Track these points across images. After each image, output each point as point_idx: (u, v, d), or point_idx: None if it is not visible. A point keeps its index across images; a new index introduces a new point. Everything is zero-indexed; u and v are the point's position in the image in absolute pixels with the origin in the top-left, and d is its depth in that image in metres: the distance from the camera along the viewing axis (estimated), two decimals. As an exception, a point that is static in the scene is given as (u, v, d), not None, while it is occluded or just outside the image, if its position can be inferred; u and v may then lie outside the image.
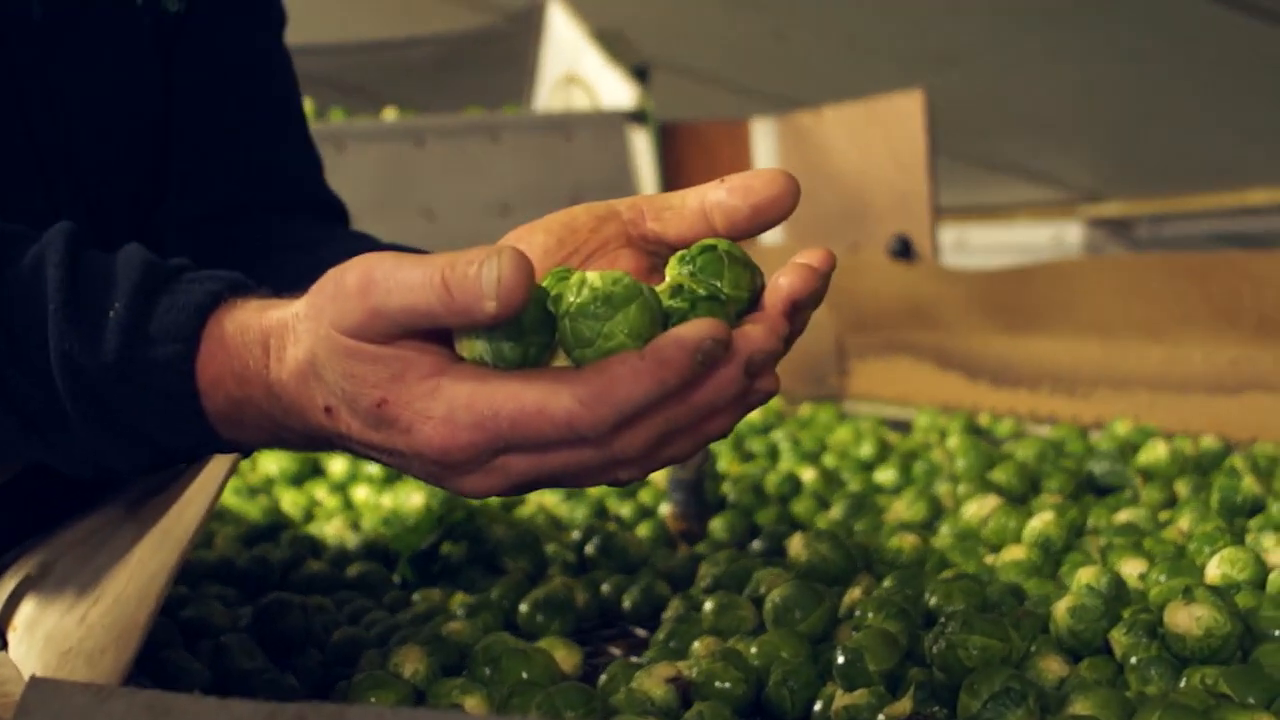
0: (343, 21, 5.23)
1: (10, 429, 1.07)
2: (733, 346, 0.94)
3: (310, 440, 1.04)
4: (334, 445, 1.03)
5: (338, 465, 2.32)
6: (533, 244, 1.08)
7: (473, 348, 0.96)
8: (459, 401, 0.94)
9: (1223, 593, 1.26)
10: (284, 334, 1.00)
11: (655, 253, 1.10)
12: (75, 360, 1.03)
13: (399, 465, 1.00)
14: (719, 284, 1.01)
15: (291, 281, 1.07)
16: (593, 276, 0.95)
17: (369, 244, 1.52)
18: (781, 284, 1.01)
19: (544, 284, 0.99)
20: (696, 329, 0.91)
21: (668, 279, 1.01)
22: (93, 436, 1.05)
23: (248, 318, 1.03)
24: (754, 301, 1.03)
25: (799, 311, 1.02)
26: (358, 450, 1.01)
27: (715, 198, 1.05)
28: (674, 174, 3.81)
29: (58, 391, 1.04)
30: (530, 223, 1.10)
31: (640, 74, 3.82)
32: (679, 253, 1.04)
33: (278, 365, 1.00)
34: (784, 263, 1.03)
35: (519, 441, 0.94)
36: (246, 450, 1.13)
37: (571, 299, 0.95)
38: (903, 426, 2.68)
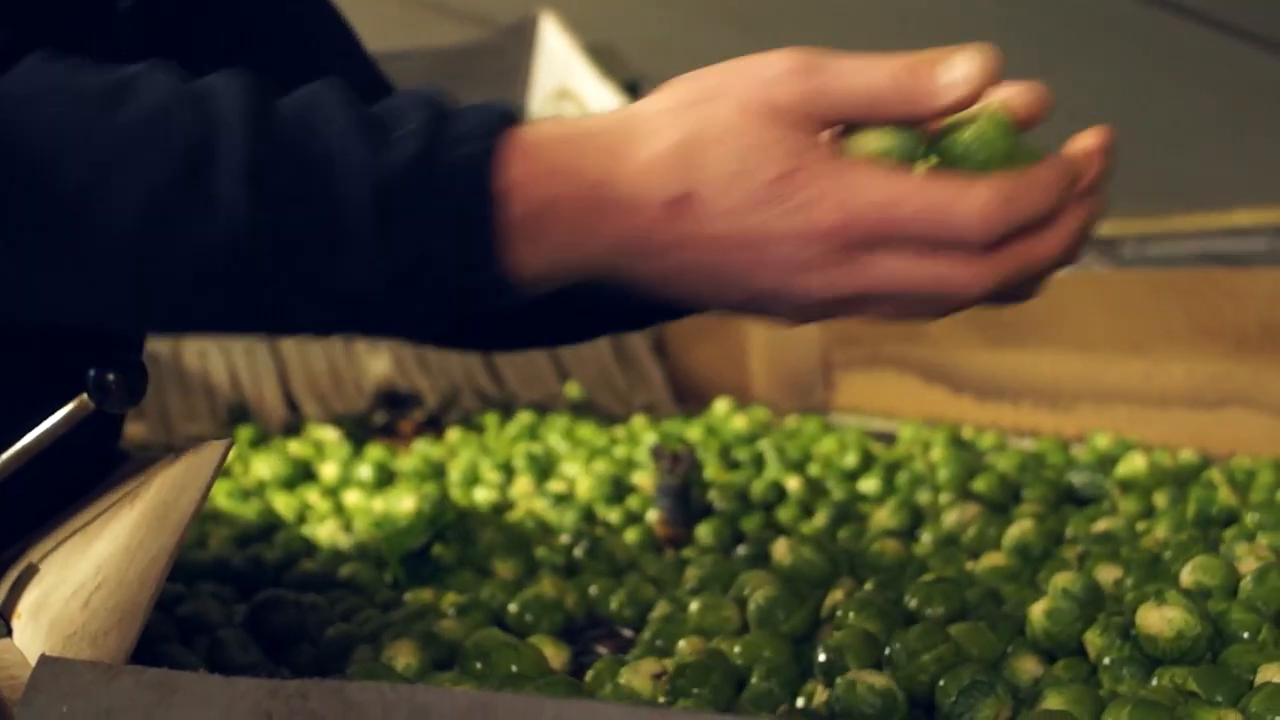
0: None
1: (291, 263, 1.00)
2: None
3: (615, 250, 1.00)
4: (638, 258, 1.00)
5: (330, 470, 2.35)
6: None
7: (869, 142, 1.00)
8: (861, 185, 0.96)
9: (1194, 595, 1.29)
10: (620, 130, 0.99)
11: None
12: (367, 169, 0.98)
13: (736, 272, 0.99)
14: None
15: None
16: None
17: None
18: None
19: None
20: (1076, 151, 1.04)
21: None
22: (371, 257, 0.99)
23: (553, 127, 1.01)
24: None
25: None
26: (679, 260, 1.00)
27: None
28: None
29: (344, 204, 0.98)
30: None
31: (631, 89, 3.85)
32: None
33: (607, 158, 0.98)
34: None
35: (915, 234, 0.96)
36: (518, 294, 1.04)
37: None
38: (888, 438, 2.72)
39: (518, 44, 4.47)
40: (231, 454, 2.49)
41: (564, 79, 4.15)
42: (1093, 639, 1.29)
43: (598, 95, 3.91)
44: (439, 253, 0.99)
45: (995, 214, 0.96)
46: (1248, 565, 1.48)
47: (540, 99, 4.34)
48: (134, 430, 2.64)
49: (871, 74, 0.98)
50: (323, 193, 0.98)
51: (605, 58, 4.02)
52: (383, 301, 1.01)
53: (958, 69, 0.98)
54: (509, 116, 1.01)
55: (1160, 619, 1.25)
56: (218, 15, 1.49)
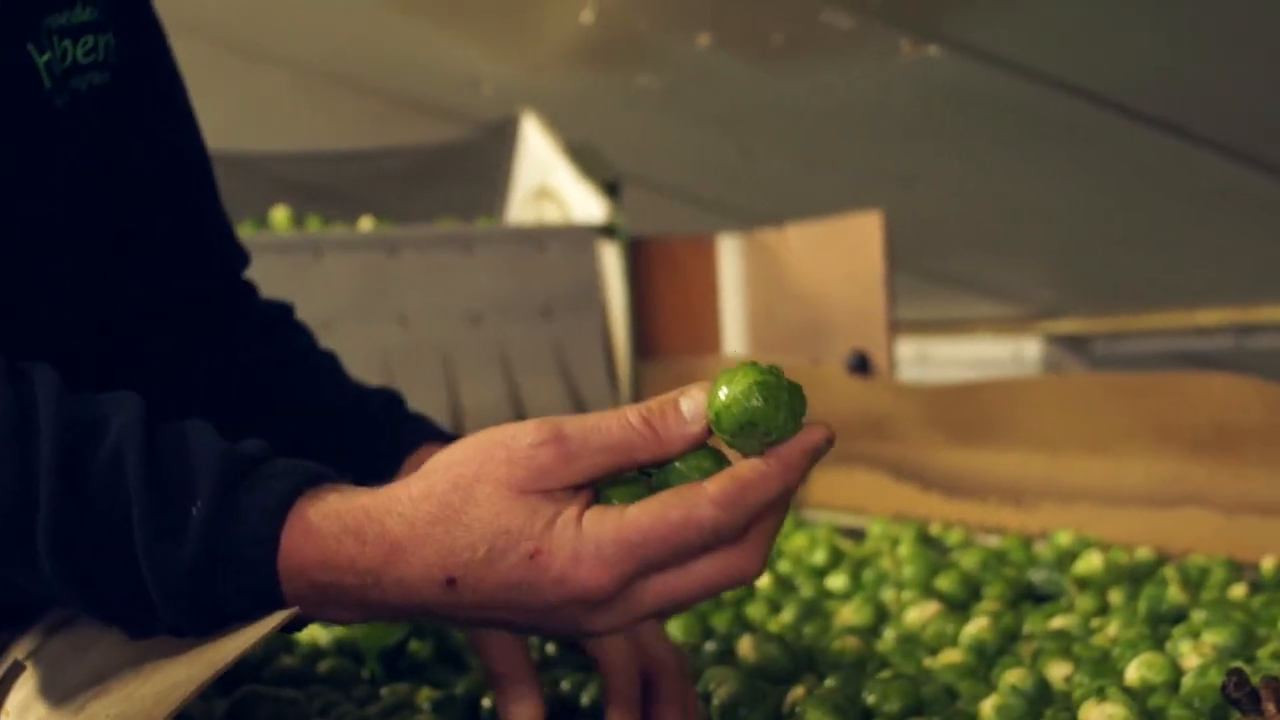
0: (320, 129, 5.31)
1: (98, 612, 1.14)
2: None
3: (403, 615, 1.11)
4: (431, 616, 1.10)
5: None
6: None
7: (618, 495, 1.09)
8: (606, 537, 1.04)
9: (1134, 692, 1.35)
10: (383, 517, 1.08)
11: None
12: (161, 561, 1.08)
13: (526, 623, 1.09)
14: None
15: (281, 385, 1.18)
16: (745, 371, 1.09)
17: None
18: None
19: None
20: (817, 433, 1.09)
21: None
22: (177, 617, 1.10)
23: (334, 506, 1.10)
24: None
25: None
26: (468, 616, 1.09)
27: None
28: (643, 288, 3.89)
29: (144, 583, 1.09)
30: None
31: (611, 188, 3.90)
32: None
33: (374, 549, 1.08)
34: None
35: (667, 558, 1.05)
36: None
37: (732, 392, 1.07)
38: (858, 534, 2.77)
39: (499, 142, 4.53)
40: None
41: (544, 177, 4.22)
42: (1039, 734, 1.35)
43: (577, 194, 3.97)
44: (237, 616, 1.10)
45: (724, 518, 1.05)
46: (1190, 662, 1.54)
47: (520, 197, 4.41)
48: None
49: (612, 432, 1.07)
50: (124, 567, 1.09)
51: (585, 157, 4.08)
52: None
53: (690, 408, 1.08)
54: (295, 492, 1.10)
55: (1101, 715, 1.32)
56: (136, 124, 1.53)
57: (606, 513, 1.06)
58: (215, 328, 1.62)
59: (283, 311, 1.69)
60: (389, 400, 1.62)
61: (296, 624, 1.12)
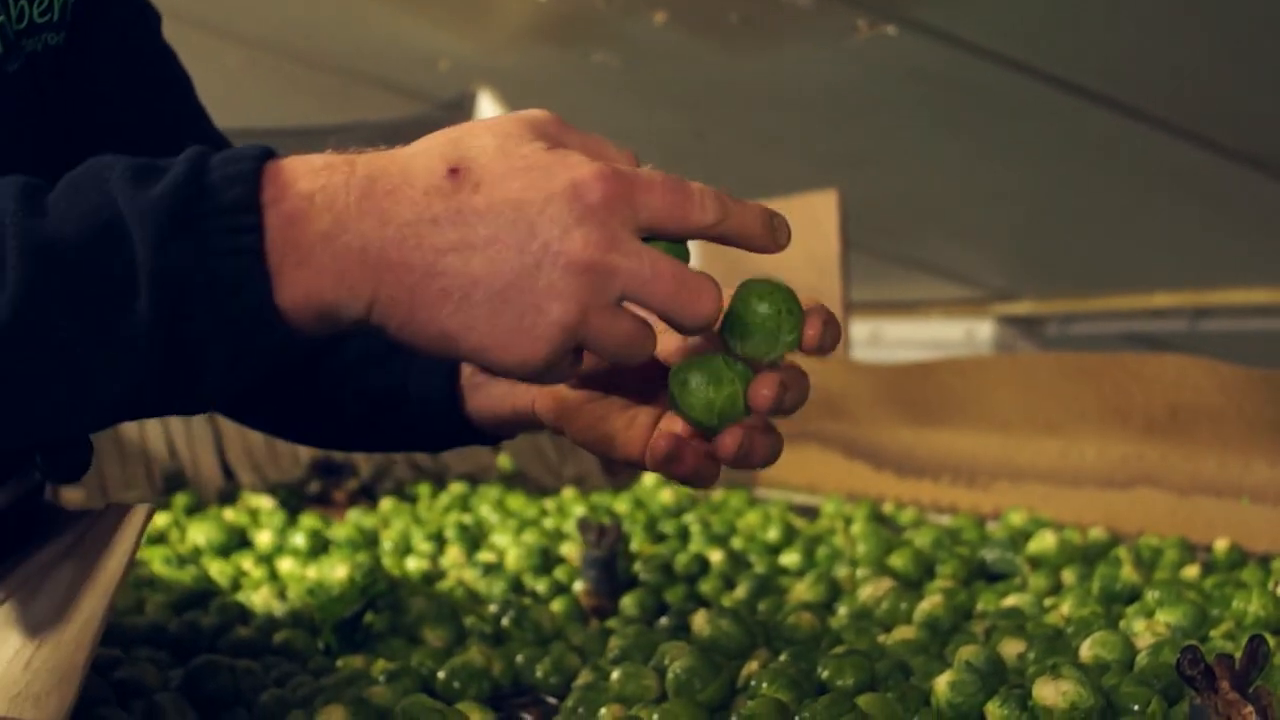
0: (279, 106, 5.29)
1: (69, 311, 1.01)
2: None
3: (384, 231, 1.02)
4: (419, 234, 1.02)
5: (264, 538, 2.40)
6: None
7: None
8: (609, 155, 1.08)
9: (1087, 669, 1.36)
10: (382, 148, 1.06)
11: None
12: (141, 189, 1.01)
13: (511, 241, 1.02)
14: None
15: None
16: None
17: None
18: None
19: None
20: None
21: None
22: (158, 268, 1.00)
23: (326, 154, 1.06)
24: None
25: None
26: (464, 221, 1.02)
27: None
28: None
29: (122, 240, 1.00)
30: None
31: (567, 165, 3.90)
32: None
33: (371, 155, 1.04)
34: None
35: (658, 209, 1.06)
36: (284, 334, 1.05)
37: None
38: (811, 513, 2.78)
39: (455, 119, 4.47)
40: (168, 521, 2.54)
41: (500, 154, 4.20)
42: (993, 710, 1.36)
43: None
44: (211, 267, 1.00)
45: (719, 202, 1.08)
46: (1144, 641, 1.55)
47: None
48: (72, 497, 2.67)
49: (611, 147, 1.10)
50: (105, 233, 1.00)
51: (541, 134, 4.07)
52: (163, 337, 1.01)
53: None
54: (273, 150, 1.06)
55: (1055, 692, 1.32)
56: (97, 83, 1.50)
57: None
58: None
59: None
60: None
61: (281, 331, 1.03)
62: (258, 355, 1.05)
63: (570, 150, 1.05)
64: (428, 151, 1.04)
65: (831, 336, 1.15)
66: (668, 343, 1.20)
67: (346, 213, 1.01)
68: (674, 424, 1.23)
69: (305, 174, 1.02)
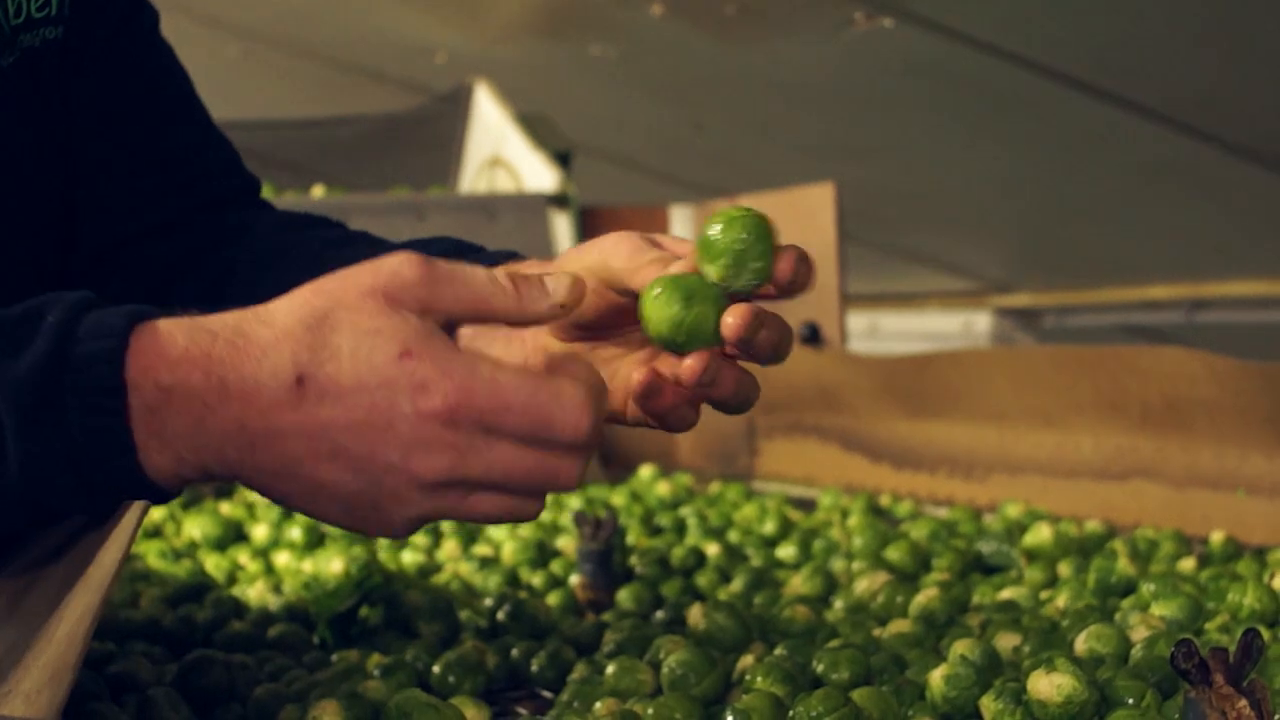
0: (277, 98, 5.30)
1: None
2: None
3: (238, 436, 1.04)
4: (268, 442, 1.03)
5: (260, 531, 2.39)
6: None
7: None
8: (470, 372, 1.02)
9: (1082, 663, 1.36)
10: (241, 321, 1.04)
11: None
12: (8, 366, 1.03)
13: (357, 451, 1.03)
14: None
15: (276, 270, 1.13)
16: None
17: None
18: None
19: None
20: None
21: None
22: (18, 433, 1.03)
23: (191, 319, 1.06)
24: None
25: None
26: (308, 436, 1.03)
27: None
28: (594, 256, 3.88)
29: None
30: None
31: (563, 158, 3.90)
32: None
33: (226, 346, 1.03)
34: None
35: (518, 426, 1.03)
36: (156, 490, 1.08)
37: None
38: (808, 505, 2.78)
39: (452, 112, 4.52)
40: (163, 514, 2.54)
41: (497, 147, 4.21)
42: (988, 704, 1.36)
43: (530, 164, 3.97)
44: (77, 443, 1.03)
45: (589, 416, 1.04)
46: (1139, 634, 1.55)
47: (473, 166, 4.40)
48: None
49: (479, 277, 1.05)
50: None
51: (538, 127, 4.07)
52: (32, 497, 1.05)
53: (553, 285, 1.07)
54: (143, 312, 1.06)
55: (1050, 685, 1.32)
56: (94, 78, 1.51)
57: (475, 354, 1.04)
58: (231, 228, 1.59)
59: (311, 217, 1.64)
60: (454, 247, 1.55)
61: (151, 490, 1.06)
62: (129, 498, 1.10)
63: (422, 360, 1.02)
64: (279, 352, 1.02)
65: (804, 274, 1.14)
66: (649, 272, 1.18)
67: (205, 417, 1.03)
68: (657, 363, 1.23)
69: (164, 366, 1.03)
